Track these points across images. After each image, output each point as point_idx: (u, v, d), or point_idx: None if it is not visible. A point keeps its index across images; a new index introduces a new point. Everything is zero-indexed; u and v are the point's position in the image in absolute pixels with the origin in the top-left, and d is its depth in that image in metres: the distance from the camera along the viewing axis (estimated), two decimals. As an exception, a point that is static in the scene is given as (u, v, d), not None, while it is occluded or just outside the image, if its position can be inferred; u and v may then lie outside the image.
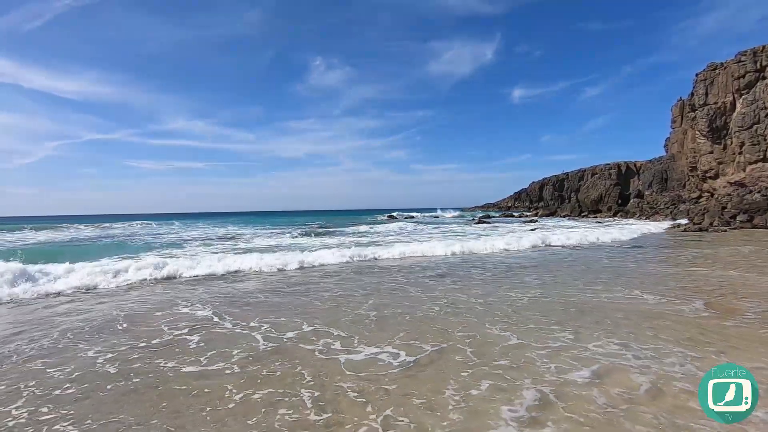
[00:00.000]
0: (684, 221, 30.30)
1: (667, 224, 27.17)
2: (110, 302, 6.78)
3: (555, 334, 4.71)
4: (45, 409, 3.06)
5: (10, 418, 2.91)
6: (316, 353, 4.21)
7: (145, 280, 8.41)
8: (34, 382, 3.57)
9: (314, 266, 10.26)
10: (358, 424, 2.81)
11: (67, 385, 3.52)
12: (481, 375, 3.60)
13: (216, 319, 5.63)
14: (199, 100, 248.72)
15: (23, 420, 2.90)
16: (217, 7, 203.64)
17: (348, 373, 3.70)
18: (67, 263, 8.54)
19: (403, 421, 2.84)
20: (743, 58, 35.76)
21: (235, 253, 11.75)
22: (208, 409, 3.05)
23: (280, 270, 9.67)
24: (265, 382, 3.51)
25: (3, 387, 3.48)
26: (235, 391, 3.34)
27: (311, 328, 5.11)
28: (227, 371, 3.76)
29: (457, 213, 58.10)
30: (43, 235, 26.01)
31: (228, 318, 5.63)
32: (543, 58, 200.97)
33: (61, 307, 6.46)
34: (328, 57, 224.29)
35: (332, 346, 4.41)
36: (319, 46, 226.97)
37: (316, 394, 3.28)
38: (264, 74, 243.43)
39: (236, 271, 9.45)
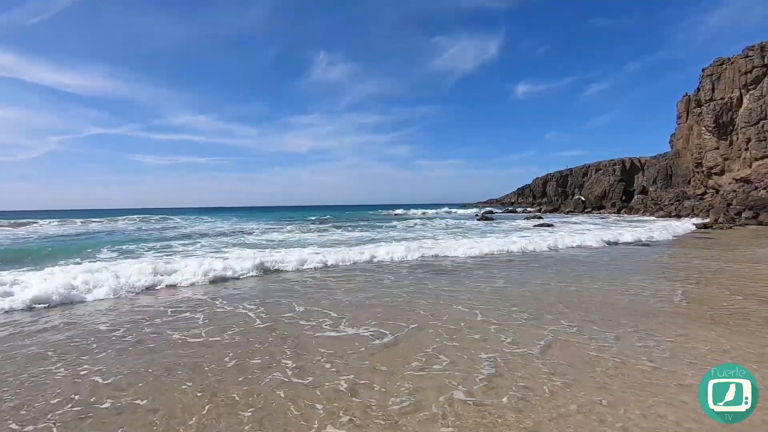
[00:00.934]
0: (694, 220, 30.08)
1: (687, 222, 26.78)
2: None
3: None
4: (83, 366, 3.74)
5: (57, 374, 3.56)
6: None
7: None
8: (65, 350, 4.16)
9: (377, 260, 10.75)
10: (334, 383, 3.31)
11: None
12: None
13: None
14: (203, 96, 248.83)
15: (67, 373, 3.56)
16: (221, 3, 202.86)
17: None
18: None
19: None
20: (750, 53, 35.39)
21: (273, 250, 11.76)
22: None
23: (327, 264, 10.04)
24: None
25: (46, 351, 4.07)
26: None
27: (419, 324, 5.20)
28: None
29: (474, 210, 57.47)
30: (53, 229, 26.11)
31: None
32: (548, 54, 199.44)
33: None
34: (332, 52, 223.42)
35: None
36: (323, 42, 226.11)
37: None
38: (267, 70, 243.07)
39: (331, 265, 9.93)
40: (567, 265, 9.67)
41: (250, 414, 2.80)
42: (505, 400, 2.94)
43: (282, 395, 3.06)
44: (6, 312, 5.54)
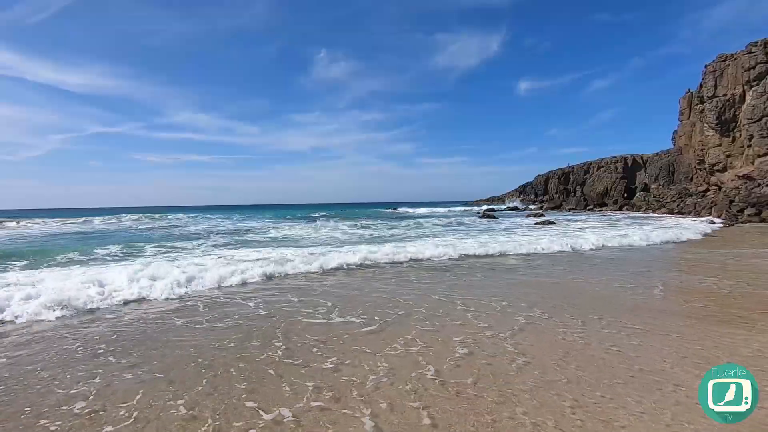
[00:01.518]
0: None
1: (689, 219, 26.72)
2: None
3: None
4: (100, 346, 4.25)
5: (79, 353, 4.03)
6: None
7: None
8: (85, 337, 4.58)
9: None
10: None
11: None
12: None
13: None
14: (204, 93, 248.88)
15: (88, 352, 4.04)
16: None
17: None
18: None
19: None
20: (754, 49, 35.17)
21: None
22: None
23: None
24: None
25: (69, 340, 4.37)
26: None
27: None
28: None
29: (476, 207, 56.51)
30: (58, 227, 26.63)
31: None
32: (550, 50, 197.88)
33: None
34: (333, 49, 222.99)
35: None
36: (324, 39, 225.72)
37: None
38: (269, 67, 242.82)
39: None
40: (563, 264, 9.88)
41: (244, 386, 3.18)
42: (470, 377, 3.29)
43: (272, 372, 3.45)
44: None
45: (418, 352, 3.83)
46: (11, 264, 9.68)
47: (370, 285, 7.27)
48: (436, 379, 3.26)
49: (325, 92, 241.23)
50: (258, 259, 9.74)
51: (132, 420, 2.72)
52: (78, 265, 9.24)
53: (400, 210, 55.69)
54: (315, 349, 3.96)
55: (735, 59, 36.73)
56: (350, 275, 8.34)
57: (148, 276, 7.17)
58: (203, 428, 2.61)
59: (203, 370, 3.50)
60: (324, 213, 46.59)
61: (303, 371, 3.46)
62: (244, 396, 3.02)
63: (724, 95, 37.05)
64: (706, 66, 39.25)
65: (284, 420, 2.70)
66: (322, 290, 6.83)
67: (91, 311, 5.60)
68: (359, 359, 3.70)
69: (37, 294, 5.75)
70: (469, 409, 2.80)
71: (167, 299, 6.25)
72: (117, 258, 10.78)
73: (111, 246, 13.13)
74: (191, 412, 2.81)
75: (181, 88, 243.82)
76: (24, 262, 9.95)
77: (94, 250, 12.11)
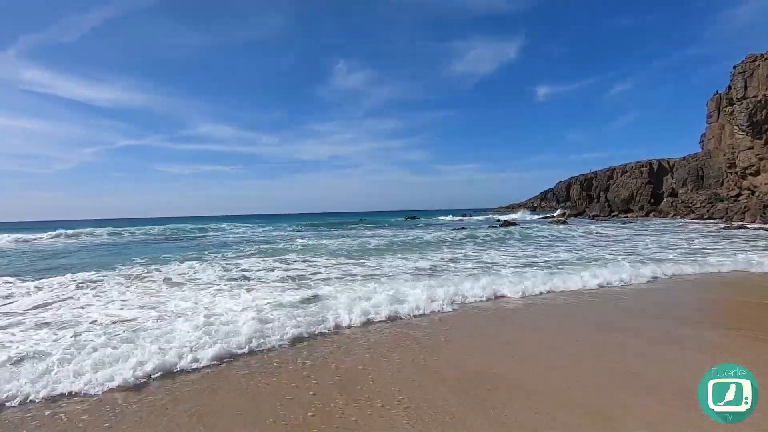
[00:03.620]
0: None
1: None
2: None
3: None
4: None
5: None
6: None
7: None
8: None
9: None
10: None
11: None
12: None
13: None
14: (225, 105, 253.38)
15: None
16: (240, 12, 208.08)
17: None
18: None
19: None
20: (785, 49, 34.09)
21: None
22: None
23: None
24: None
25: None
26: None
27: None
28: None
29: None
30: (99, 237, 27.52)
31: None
32: (569, 55, 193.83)
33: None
34: (350, 59, 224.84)
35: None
36: (341, 48, 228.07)
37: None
38: (287, 77, 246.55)
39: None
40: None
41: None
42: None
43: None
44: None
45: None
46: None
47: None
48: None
49: (343, 101, 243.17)
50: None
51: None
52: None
53: (447, 218, 54.12)
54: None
55: (765, 59, 35.66)
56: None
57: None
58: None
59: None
60: (347, 221, 46.71)
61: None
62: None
63: (755, 96, 35.89)
64: (734, 67, 38.21)
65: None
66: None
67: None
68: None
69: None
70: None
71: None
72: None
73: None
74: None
75: (202, 100, 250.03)
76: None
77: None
